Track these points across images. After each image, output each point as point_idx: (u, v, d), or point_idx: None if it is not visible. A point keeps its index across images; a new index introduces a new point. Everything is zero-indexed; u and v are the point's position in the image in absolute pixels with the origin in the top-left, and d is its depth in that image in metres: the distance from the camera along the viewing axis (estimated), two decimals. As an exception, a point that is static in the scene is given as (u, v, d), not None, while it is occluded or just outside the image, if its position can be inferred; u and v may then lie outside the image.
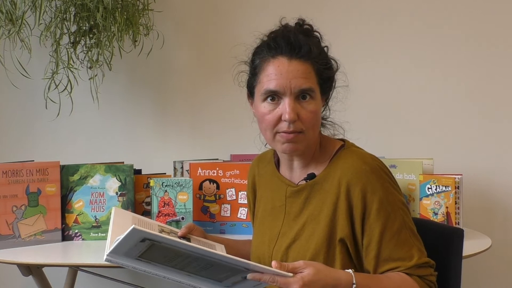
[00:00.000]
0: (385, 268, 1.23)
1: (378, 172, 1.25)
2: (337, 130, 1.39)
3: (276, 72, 1.23)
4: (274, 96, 1.24)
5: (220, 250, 1.38)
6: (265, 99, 1.26)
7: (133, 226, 1.07)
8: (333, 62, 1.33)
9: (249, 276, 1.11)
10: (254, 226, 1.48)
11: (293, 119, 1.22)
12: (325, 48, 1.33)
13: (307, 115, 1.24)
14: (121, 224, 1.24)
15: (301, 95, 1.23)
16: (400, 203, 1.25)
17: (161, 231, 1.32)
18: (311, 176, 1.31)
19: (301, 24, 1.32)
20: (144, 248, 1.11)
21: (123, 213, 1.36)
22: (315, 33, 1.32)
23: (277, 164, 1.43)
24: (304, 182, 1.33)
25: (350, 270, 1.17)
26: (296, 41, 1.24)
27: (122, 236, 1.08)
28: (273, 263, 1.11)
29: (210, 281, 1.17)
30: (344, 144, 1.34)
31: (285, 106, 1.22)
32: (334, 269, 1.20)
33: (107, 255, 1.13)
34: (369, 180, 1.23)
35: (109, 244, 1.14)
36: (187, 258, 1.12)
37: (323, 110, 1.37)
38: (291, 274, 1.11)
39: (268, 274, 1.10)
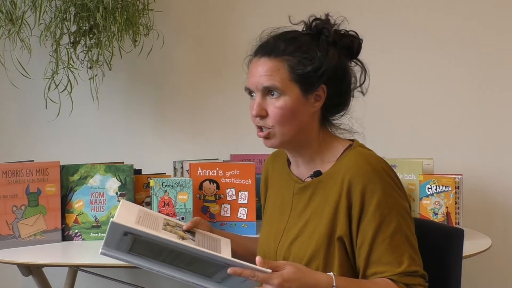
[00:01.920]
0: (373, 270, 1.22)
1: (381, 173, 1.24)
2: (344, 129, 1.39)
3: (250, 71, 1.32)
4: (251, 93, 1.32)
5: (225, 245, 1.39)
6: (250, 96, 1.34)
7: (111, 220, 1.11)
8: (331, 58, 1.29)
9: (229, 270, 1.13)
10: (262, 222, 1.50)
11: (255, 114, 1.29)
12: (360, 40, 1.36)
13: (274, 111, 1.28)
14: (124, 216, 1.25)
15: (270, 92, 1.28)
16: (400, 208, 1.24)
17: (166, 224, 1.33)
18: (317, 174, 1.33)
19: (307, 22, 1.35)
20: (130, 242, 1.14)
21: (129, 206, 1.36)
22: (324, 30, 1.32)
23: (289, 161, 1.45)
24: (310, 179, 1.34)
25: (331, 273, 1.19)
26: (268, 42, 1.31)
27: (106, 233, 1.13)
28: (257, 258, 1.14)
29: (201, 276, 1.18)
30: (353, 143, 1.35)
31: (253, 102, 1.30)
32: (315, 271, 1.21)
33: (101, 248, 1.16)
34: (370, 181, 1.23)
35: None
36: (171, 252, 1.14)
37: (330, 110, 1.35)
38: (270, 271, 1.12)
39: (249, 269, 1.12)
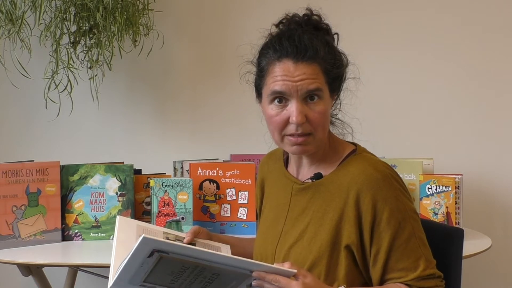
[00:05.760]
0: (389, 276, 1.22)
1: (390, 180, 1.23)
2: (345, 129, 1.37)
3: (282, 75, 1.21)
4: (281, 98, 1.23)
5: (225, 251, 1.38)
6: (272, 101, 1.24)
7: (143, 235, 1.04)
8: (342, 56, 1.29)
9: (254, 273, 1.11)
10: (259, 224, 1.48)
11: (301, 121, 1.20)
12: (335, 36, 1.31)
13: (315, 116, 1.22)
14: (124, 241, 1.22)
15: (308, 97, 1.22)
16: (411, 212, 1.23)
17: (166, 238, 1.31)
18: (318, 176, 1.30)
19: (309, 16, 1.28)
20: (151, 266, 1.09)
21: (127, 225, 1.32)
22: (323, 25, 1.29)
23: (286, 161, 1.42)
24: (310, 181, 1.31)
25: (342, 287, 1.20)
26: (302, 43, 1.21)
27: (131, 252, 1.06)
28: (286, 264, 1.13)
29: None
30: (356, 148, 1.32)
31: (293, 108, 1.21)
32: (327, 286, 1.21)
33: (112, 284, 1.11)
34: (380, 189, 1.21)
35: (113, 273, 1.12)
36: (194, 270, 1.10)
37: (333, 107, 1.34)
38: (295, 271, 1.11)
39: (271, 274, 1.10)
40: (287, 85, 1.21)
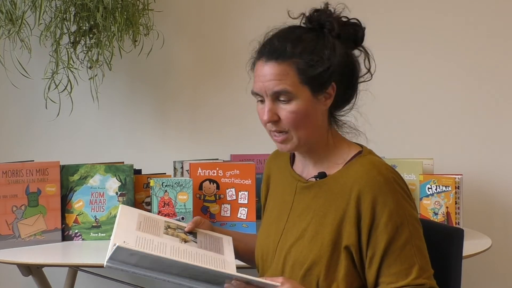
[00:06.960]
0: (380, 280, 1.21)
1: (392, 184, 1.22)
2: (355, 130, 1.37)
3: (258, 75, 1.26)
4: (259, 97, 1.28)
5: (227, 243, 1.39)
6: (257, 100, 1.29)
7: (116, 244, 1.08)
8: (337, 56, 1.25)
9: (233, 282, 1.15)
10: (262, 220, 1.48)
11: (267, 119, 1.25)
12: (333, 33, 1.28)
13: (286, 115, 1.24)
14: (125, 225, 1.24)
15: (280, 96, 1.24)
16: (411, 218, 1.22)
17: (167, 227, 1.33)
18: (322, 175, 1.30)
19: (308, 15, 1.30)
20: (135, 260, 1.12)
21: (129, 212, 1.35)
22: (316, 24, 1.28)
23: (292, 158, 1.43)
24: (314, 179, 1.32)
25: None
26: (273, 43, 1.25)
27: (109, 253, 1.11)
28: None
29: (210, 286, 1.17)
30: (362, 150, 1.32)
31: (264, 107, 1.26)
32: None
33: (106, 261, 1.13)
34: (381, 191, 1.21)
35: (109, 249, 1.14)
36: (179, 267, 1.14)
37: (337, 106, 1.32)
38: (279, 284, 1.14)
39: (253, 285, 1.14)
40: (260, 86, 1.25)
